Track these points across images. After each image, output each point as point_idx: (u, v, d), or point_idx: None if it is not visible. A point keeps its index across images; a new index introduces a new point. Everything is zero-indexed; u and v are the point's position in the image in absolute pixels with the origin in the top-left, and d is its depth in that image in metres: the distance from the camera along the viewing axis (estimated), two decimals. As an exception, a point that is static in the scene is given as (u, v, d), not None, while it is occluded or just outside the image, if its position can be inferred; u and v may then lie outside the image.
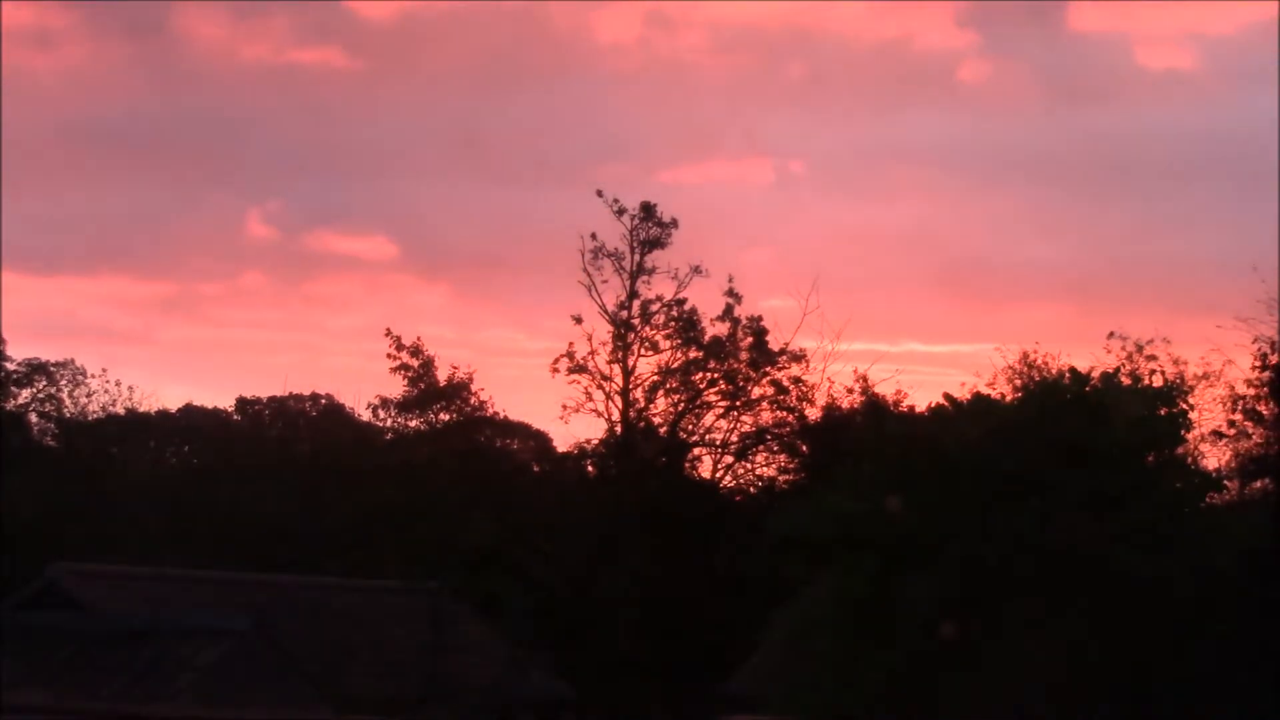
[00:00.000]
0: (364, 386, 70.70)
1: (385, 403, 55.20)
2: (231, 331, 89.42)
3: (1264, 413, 34.22)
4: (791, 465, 52.84)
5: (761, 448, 53.14)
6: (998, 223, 78.97)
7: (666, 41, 78.96)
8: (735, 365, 52.35)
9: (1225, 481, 30.06)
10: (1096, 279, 73.83)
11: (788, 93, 78.27)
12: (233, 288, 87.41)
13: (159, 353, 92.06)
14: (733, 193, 76.92)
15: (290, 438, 61.81)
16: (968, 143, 78.62)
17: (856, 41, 77.51)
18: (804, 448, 52.14)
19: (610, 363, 52.05)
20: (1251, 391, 34.83)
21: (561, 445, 57.29)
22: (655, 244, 52.10)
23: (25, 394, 61.19)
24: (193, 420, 67.10)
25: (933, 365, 75.90)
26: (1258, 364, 34.31)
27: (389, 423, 56.10)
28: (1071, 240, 79.08)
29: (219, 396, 73.49)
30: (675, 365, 52.22)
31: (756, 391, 52.60)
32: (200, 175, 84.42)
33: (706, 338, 52.19)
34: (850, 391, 51.51)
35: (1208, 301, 72.51)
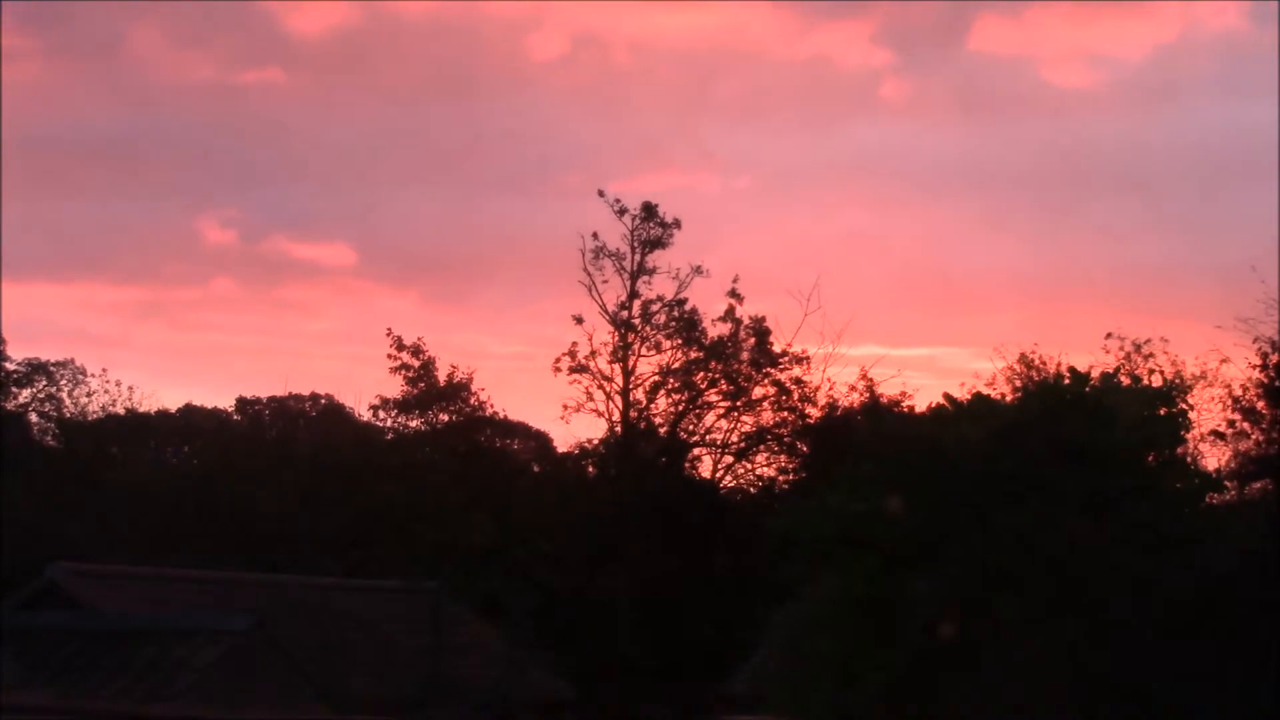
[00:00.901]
0: (342, 388, 71.97)
1: (385, 403, 55.24)
2: (207, 335, 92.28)
3: (1263, 412, 34.24)
4: (791, 465, 52.88)
5: (762, 448, 53.19)
6: (946, 230, 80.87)
7: (598, 60, 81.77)
8: (736, 366, 52.39)
9: (1225, 482, 30.08)
10: (1045, 283, 76.82)
11: (726, 108, 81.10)
12: (205, 294, 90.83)
13: (136, 356, 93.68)
14: (686, 202, 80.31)
15: (290, 438, 61.81)
16: (902, 153, 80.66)
17: (784, 60, 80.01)
18: (804, 448, 52.18)
19: (611, 363, 52.14)
20: (1251, 393, 34.86)
21: (562, 445, 57.44)
22: (656, 244, 52.17)
23: (25, 394, 61.24)
24: (193, 420, 67.13)
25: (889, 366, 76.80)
26: (1258, 364, 34.33)
27: (389, 423, 56.14)
28: (1016, 245, 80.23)
29: (203, 397, 74.87)
30: (676, 365, 52.26)
31: (758, 392, 52.68)
32: (159, 186, 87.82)
33: (708, 338, 52.26)
34: (853, 390, 51.59)
35: (1157, 306, 73.86)
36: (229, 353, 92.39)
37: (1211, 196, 79.32)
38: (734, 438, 53.07)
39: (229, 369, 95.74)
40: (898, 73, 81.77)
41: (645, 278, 52.03)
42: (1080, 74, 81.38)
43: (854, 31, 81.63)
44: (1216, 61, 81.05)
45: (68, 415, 61.17)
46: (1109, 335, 44.33)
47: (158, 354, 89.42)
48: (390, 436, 55.84)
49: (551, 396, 51.97)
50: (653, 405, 52.43)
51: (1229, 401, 36.40)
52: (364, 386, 63.14)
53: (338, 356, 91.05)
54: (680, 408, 52.69)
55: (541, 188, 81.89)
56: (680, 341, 52.18)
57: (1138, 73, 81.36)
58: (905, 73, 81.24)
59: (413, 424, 55.32)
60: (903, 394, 50.92)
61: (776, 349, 52.22)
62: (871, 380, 51.24)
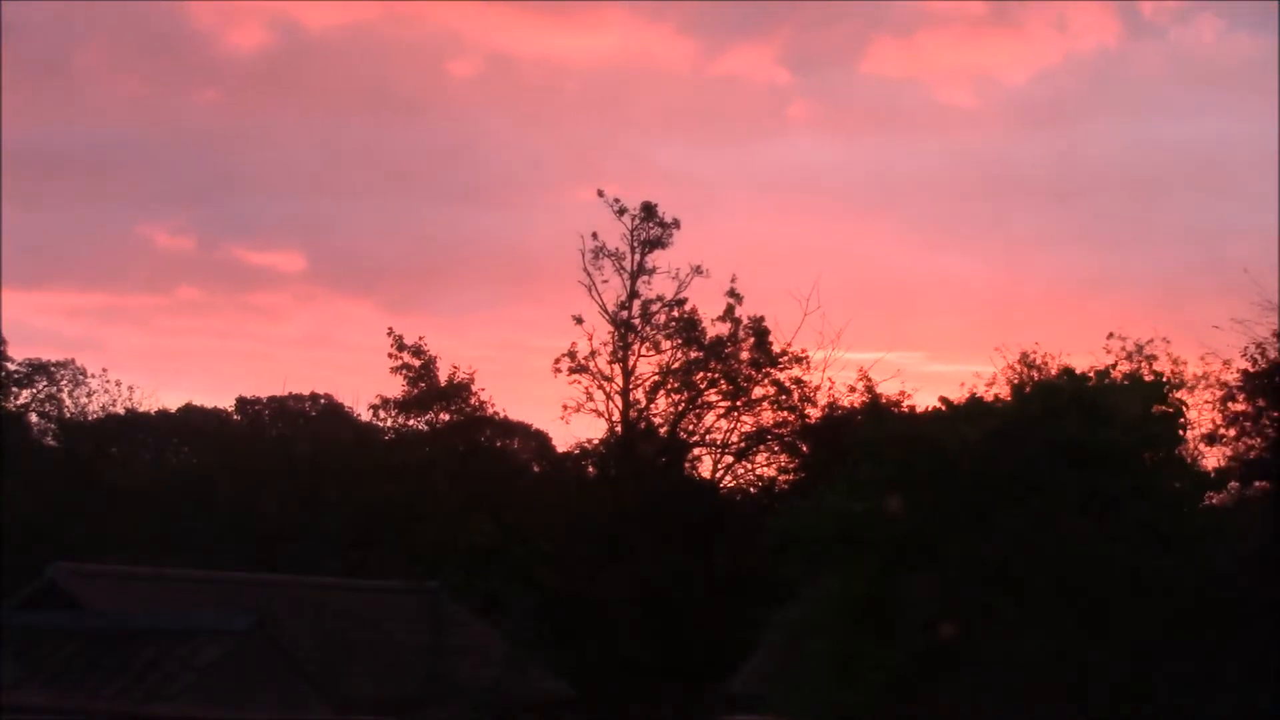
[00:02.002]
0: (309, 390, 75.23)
1: (385, 403, 55.23)
2: (178, 340, 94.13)
3: (1262, 414, 34.24)
4: (792, 465, 52.88)
5: (762, 448, 53.18)
6: (885, 240, 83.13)
7: (512, 79, 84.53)
8: (736, 365, 52.38)
9: (1224, 481, 30.08)
10: (988, 290, 78.56)
11: (648, 124, 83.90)
12: (172, 300, 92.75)
13: (111, 360, 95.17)
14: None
15: (290, 438, 61.80)
16: (815, 168, 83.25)
17: (693, 79, 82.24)
18: (804, 448, 52.18)
19: (611, 363, 52.13)
20: (1247, 404, 34.85)
21: (562, 445, 57.44)
22: (656, 244, 52.17)
23: (25, 394, 61.26)
24: (193, 420, 67.13)
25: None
26: (1255, 364, 34.34)
27: (389, 423, 56.13)
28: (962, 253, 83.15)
29: (187, 398, 76.38)
30: (676, 365, 52.25)
31: (758, 392, 52.67)
32: (108, 198, 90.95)
33: (707, 338, 52.25)
34: (853, 390, 51.59)
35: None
36: (202, 356, 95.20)
37: (1121, 209, 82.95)
38: (734, 438, 53.10)
39: (202, 371, 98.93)
40: (803, 93, 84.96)
41: (645, 278, 52.07)
42: (966, 93, 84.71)
43: (759, 54, 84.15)
44: (1097, 80, 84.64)
45: (68, 415, 61.20)
46: (1110, 335, 44.33)
47: (132, 357, 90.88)
48: (390, 436, 55.84)
49: (576, 393, 52.09)
50: (652, 405, 52.47)
51: (1225, 402, 36.39)
52: (338, 388, 64.74)
53: (306, 360, 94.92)
54: (680, 408, 52.70)
55: (488, 197, 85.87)
56: (680, 341, 52.19)
57: (1021, 92, 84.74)
58: (809, 93, 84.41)
59: (412, 423, 55.35)
60: (901, 394, 50.93)
61: (776, 349, 52.24)
62: (870, 380, 51.26)
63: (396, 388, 54.26)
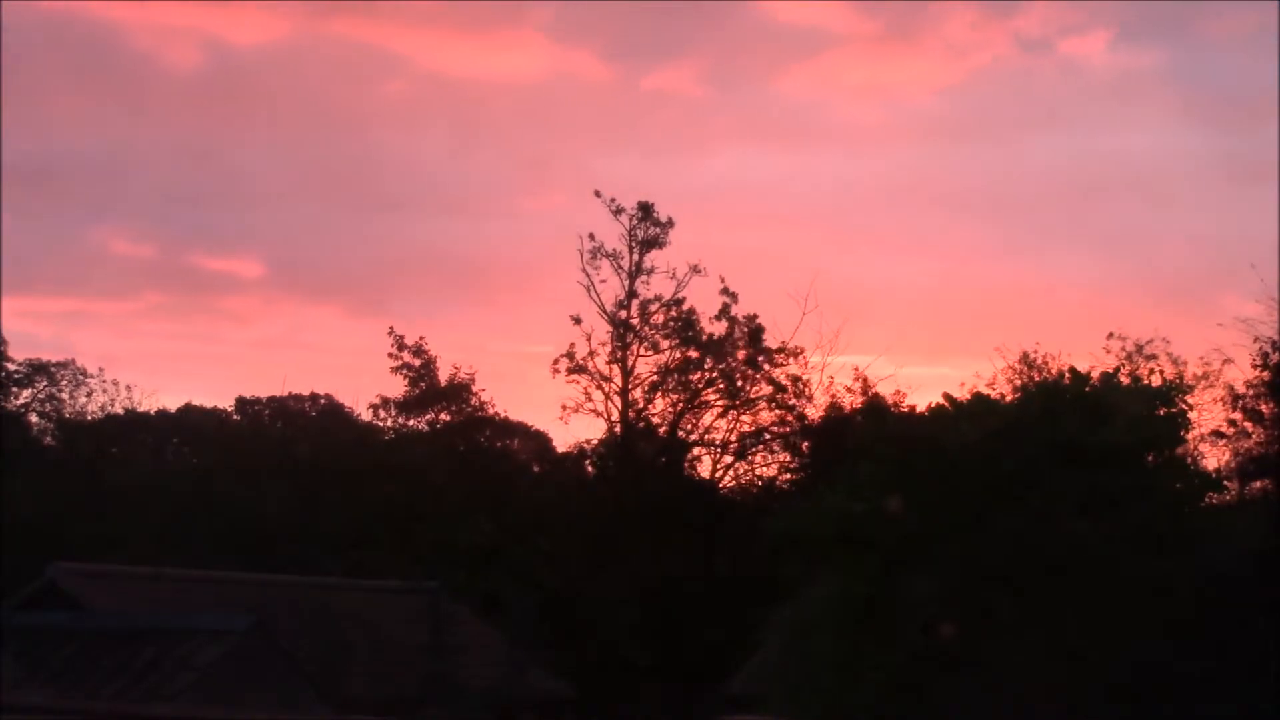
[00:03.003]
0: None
1: (386, 403, 55.25)
2: (149, 343, 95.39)
3: (1264, 412, 34.27)
4: (791, 465, 52.88)
5: (761, 447, 53.18)
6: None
7: (443, 95, 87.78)
8: (733, 364, 52.39)
9: (1225, 481, 30.10)
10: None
11: (583, 140, 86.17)
12: (141, 305, 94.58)
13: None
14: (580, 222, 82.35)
15: (290, 438, 61.79)
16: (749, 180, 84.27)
17: (619, 95, 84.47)
18: (804, 447, 52.18)
19: (609, 363, 52.13)
20: (1251, 391, 34.89)
21: (561, 445, 57.45)
22: (653, 244, 52.15)
23: (25, 394, 61.25)
24: (192, 420, 67.13)
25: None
26: (1258, 363, 34.36)
27: (389, 423, 56.15)
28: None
29: (179, 400, 78.03)
30: (674, 365, 52.25)
31: (755, 391, 52.67)
32: (65, 207, 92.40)
33: (704, 337, 52.24)
34: (850, 391, 51.61)
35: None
36: (175, 359, 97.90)
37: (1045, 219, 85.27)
38: (733, 437, 53.10)
39: (174, 374, 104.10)
40: (724, 109, 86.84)
41: (643, 277, 52.07)
42: (872, 110, 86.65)
43: (680, 74, 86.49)
44: (998, 98, 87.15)
45: (68, 415, 61.21)
46: (1110, 335, 44.36)
47: (105, 361, 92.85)
48: (390, 436, 55.86)
49: (575, 393, 52.34)
50: (651, 405, 52.47)
51: (1230, 401, 36.43)
52: (309, 388, 67.41)
53: (273, 362, 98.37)
54: (679, 407, 52.70)
55: (434, 204, 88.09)
56: (678, 341, 52.18)
57: (929, 109, 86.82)
58: (730, 109, 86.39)
59: (412, 423, 55.36)
60: (898, 393, 50.93)
61: (772, 347, 52.25)
62: (868, 380, 51.29)
63: (397, 388, 54.36)
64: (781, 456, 53.25)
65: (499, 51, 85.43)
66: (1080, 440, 23.92)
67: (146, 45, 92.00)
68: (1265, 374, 34.05)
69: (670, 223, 52.24)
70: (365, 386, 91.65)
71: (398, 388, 54.57)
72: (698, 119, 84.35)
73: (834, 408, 51.69)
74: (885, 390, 51.13)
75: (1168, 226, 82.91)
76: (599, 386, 52.07)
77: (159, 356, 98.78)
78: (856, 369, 51.67)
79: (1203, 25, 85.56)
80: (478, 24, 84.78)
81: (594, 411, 52.33)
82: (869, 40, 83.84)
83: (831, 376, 52.15)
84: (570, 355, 52.02)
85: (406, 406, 54.45)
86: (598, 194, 52.54)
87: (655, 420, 52.63)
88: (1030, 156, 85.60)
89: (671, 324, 52.10)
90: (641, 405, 52.28)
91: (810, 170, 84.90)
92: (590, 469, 54.35)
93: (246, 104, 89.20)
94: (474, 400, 54.47)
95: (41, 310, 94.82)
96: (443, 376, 54.02)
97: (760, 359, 52.14)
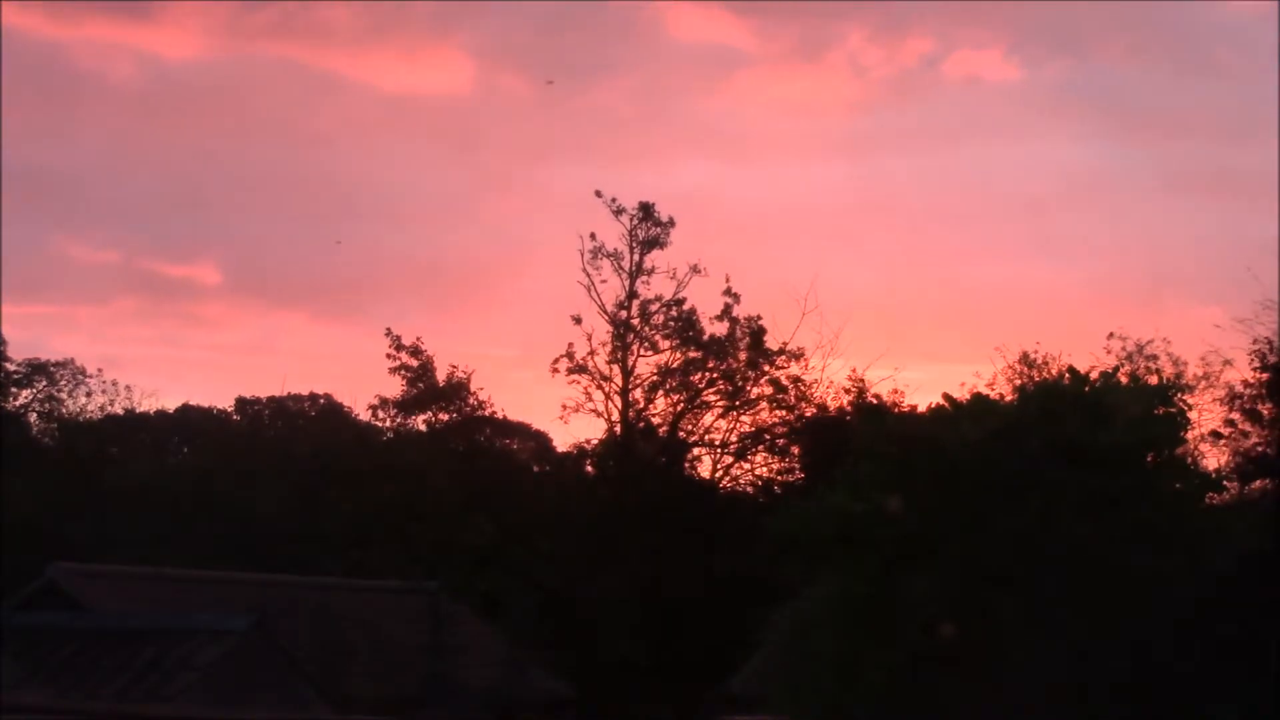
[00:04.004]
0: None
1: (385, 403, 55.23)
2: (123, 348, 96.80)
3: (1263, 412, 34.27)
4: (791, 465, 52.88)
5: (761, 447, 53.16)
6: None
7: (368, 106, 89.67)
8: (734, 365, 52.37)
9: (1225, 481, 30.10)
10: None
11: (515, 149, 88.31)
12: (114, 310, 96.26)
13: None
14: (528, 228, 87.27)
15: (290, 438, 61.81)
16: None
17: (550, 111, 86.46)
18: (803, 448, 52.17)
19: (609, 363, 52.11)
20: (1250, 392, 34.89)
21: (561, 445, 57.43)
22: (654, 244, 52.13)
23: (25, 394, 61.26)
24: (192, 420, 67.14)
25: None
26: (1256, 364, 34.37)
27: (388, 423, 56.15)
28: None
29: (174, 400, 79.40)
30: (675, 365, 52.23)
31: (755, 391, 52.66)
32: (25, 216, 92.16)
33: (705, 337, 52.23)
34: (847, 393, 51.62)
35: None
36: (151, 364, 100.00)
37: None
38: (733, 438, 53.08)
39: (151, 377, 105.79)
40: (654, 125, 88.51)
41: (644, 277, 52.05)
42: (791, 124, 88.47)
43: (605, 93, 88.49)
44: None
45: (67, 415, 61.21)
46: (1110, 335, 44.40)
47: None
48: (389, 436, 55.86)
49: (575, 393, 52.45)
50: (651, 405, 52.45)
51: (1229, 401, 36.43)
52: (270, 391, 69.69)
53: (245, 368, 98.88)
54: (679, 408, 52.69)
55: (386, 213, 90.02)
56: (678, 341, 52.17)
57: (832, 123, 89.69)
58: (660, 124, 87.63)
59: (411, 423, 55.36)
60: (894, 392, 50.91)
61: (773, 348, 52.23)
62: (864, 381, 51.30)
63: (390, 388, 54.36)
64: (781, 457, 53.25)
65: (426, 69, 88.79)
66: (1080, 440, 23.91)
67: (87, 63, 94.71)
68: (1264, 375, 34.06)
69: (671, 223, 52.26)
70: (342, 390, 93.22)
71: (391, 388, 54.61)
72: (630, 134, 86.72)
73: (831, 408, 51.70)
74: (882, 390, 51.17)
75: (1092, 235, 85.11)
76: (599, 386, 52.09)
77: (135, 361, 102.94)
78: (853, 370, 51.73)
79: (1093, 41, 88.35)
80: (404, 43, 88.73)
81: (594, 411, 52.36)
82: (777, 60, 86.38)
83: (830, 379, 52.19)
84: (570, 355, 52.02)
85: (405, 406, 54.44)
86: (598, 194, 52.56)
87: (655, 420, 52.63)
88: (954, 167, 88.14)
89: (672, 324, 52.10)
90: (642, 405, 52.27)
91: (749, 181, 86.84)
92: (590, 469, 54.34)
93: (187, 117, 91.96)
94: (472, 400, 54.47)
95: (11, 315, 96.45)
96: (440, 377, 54.02)
97: (761, 361, 52.14)
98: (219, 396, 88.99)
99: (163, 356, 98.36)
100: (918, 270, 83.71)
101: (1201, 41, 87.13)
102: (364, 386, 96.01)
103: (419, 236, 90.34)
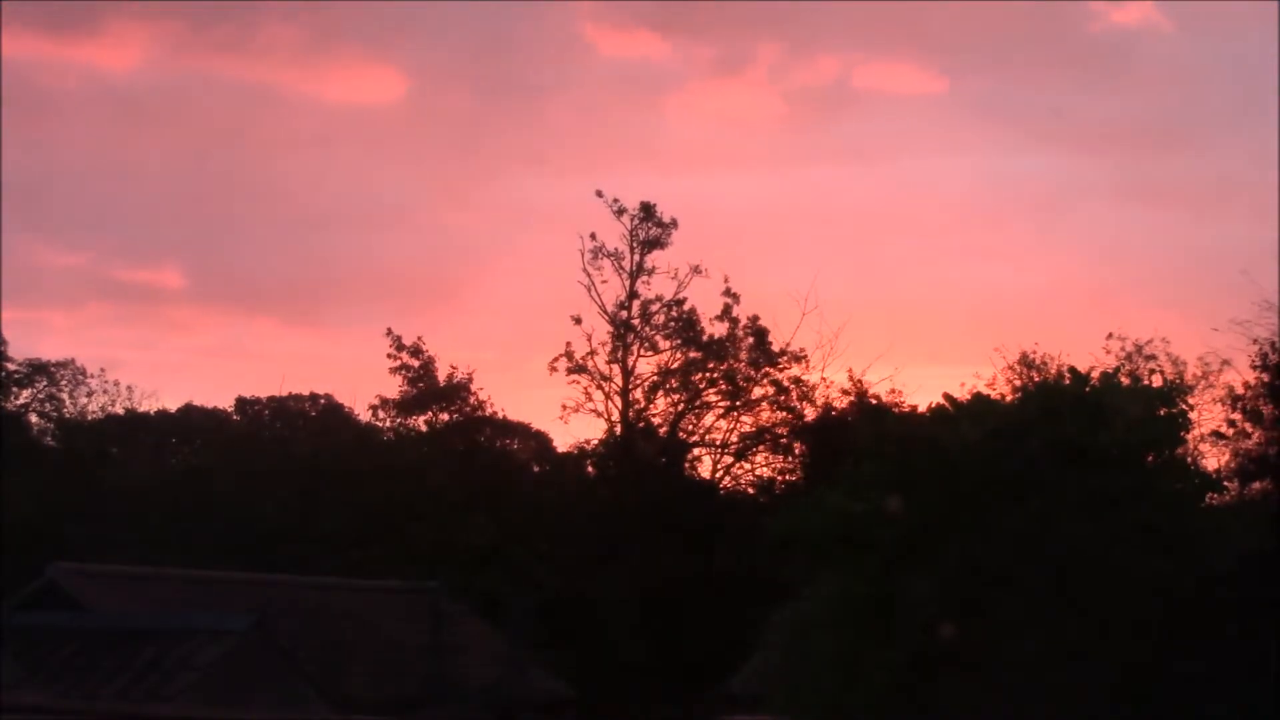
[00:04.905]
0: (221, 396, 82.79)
1: (385, 403, 55.25)
2: (102, 352, 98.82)
3: (1264, 413, 34.28)
4: (791, 465, 52.90)
5: (761, 448, 53.19)
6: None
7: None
8: (735, 365, 52.38)
9: (1225, 482, 30.12)
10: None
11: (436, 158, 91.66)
12: (86, 315, 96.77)
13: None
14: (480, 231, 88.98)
15: (290, 438, 61.82)
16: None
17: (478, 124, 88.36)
18: (803, 448, 52.21)
19: (610, 363, 52.14)
20: (1250, 392, 34.91)
21: (561, 445, 57.46)
22: (655, 244, 52.15)
23: (25, 394, 61.27)
24: (192, 420, 67.14)
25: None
26: (1257, 364, 34.38)
27: (388, 423, 56.16)
28: None
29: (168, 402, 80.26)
30: (675, 365, 52.25)
31: (757, 392, 52.69)
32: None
33: (705, 338, 52.25)
34: (847, 394, 51.65)
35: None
36: (134, 368, 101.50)
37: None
38: (733, 438, 53.10)
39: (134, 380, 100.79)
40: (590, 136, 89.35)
41: (644, 277, 52.07)
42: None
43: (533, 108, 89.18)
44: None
45: (68, 415, 61.22)
46: (1110, 335, 44.40)
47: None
48: (389, 436, 55.87)
49: (575, 393, 52.57)
50: (652, 405, 52.47)
51: (1229, 402, 36.46)
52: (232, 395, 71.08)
53: (215, 371, 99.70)
54: (679, 408, 52.71)
55: (339, 220, 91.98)
56: (679, 342, 52.19)
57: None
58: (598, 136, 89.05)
59: (411, 423, 55.38)
60: (892, 392, 50.95)
61: (775, 349, 52.25)
62: (863, 382, 51.34)
63: (395, 388, 54.37)
64: (781, 457, 53.28)
65: (364, 82, 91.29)
66: (1080, 440, 23.91)
67: (40, 78, 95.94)
68: (1265, 375, 34.08)
69: (674, 223, 52.27)
70: (341, 390, 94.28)
71: (391, 388, 54.66)
72: (576, 147, 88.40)
73: (832, 409, 51.72)
74: (880, 391, 51.20)
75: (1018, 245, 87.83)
76: (599, 386, 52.10)
77: (116, 365, 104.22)
78: (850, 371, 51.77)
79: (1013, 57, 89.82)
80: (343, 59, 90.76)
81: (594, 412, 52.38)
82: (703, 75, 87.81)
83: (830, 380, 52.21)
84: (570, 355, 52.04)
85: (406, 406, 54.45)
86: (599, 194, 52.59)
87: (655, 421, 52.64)
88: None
89: (672, 324, 52.11)
90: (642, 405, 52.28)
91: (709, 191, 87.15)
92: (590, 469, 54.35)
93: (143, 129, 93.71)
94: (472, 399, 54.49)
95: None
96: (441, 376, 54.03)
97: (762, 362, 52.16)
98: (219, 397, 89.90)
99: (136, 360, 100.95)
100: (873, 277, 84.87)
101: (1103, 51, 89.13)
102: (342, 388, 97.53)
103: (369, 242, 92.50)
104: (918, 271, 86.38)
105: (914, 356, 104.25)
